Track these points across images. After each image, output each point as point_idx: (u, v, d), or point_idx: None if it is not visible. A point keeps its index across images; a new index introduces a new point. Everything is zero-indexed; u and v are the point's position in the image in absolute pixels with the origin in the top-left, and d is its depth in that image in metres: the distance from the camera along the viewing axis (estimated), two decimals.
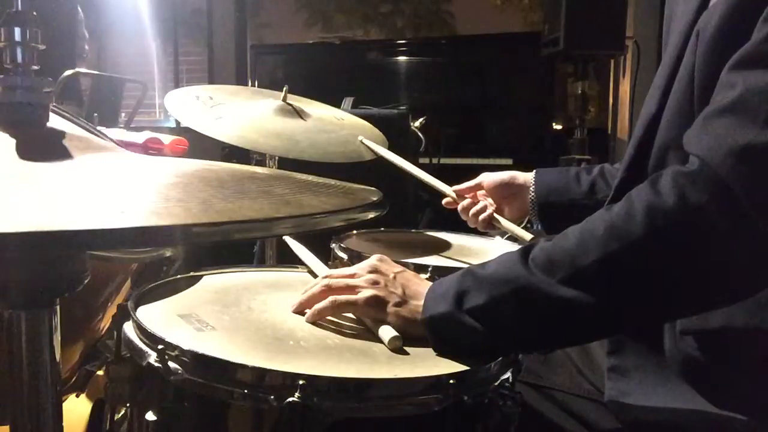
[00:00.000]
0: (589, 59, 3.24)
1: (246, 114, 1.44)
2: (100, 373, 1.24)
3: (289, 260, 1.13)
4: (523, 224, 1.33)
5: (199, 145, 1.66)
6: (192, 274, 0.99)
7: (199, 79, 5.50)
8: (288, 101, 1.50)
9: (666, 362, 0.85)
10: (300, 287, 0.89)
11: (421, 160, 2.76)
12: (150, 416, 0.69)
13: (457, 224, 1.45)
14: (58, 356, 0.63)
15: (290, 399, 0.62)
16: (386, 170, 1.44)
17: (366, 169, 1.29)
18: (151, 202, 0.54)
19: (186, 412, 0.70)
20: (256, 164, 1.92)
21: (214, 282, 0.98)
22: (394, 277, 0.84)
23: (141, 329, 0.74)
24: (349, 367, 0.70)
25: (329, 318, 0.83)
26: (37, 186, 0.55)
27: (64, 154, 0.64)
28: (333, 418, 0.65)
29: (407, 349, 0.76)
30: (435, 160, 3.01)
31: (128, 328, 0.76)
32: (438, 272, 1.08)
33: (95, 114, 2.37)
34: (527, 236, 1.25)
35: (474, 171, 1.39)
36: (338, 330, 0.81)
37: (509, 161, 3.59)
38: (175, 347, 0.68)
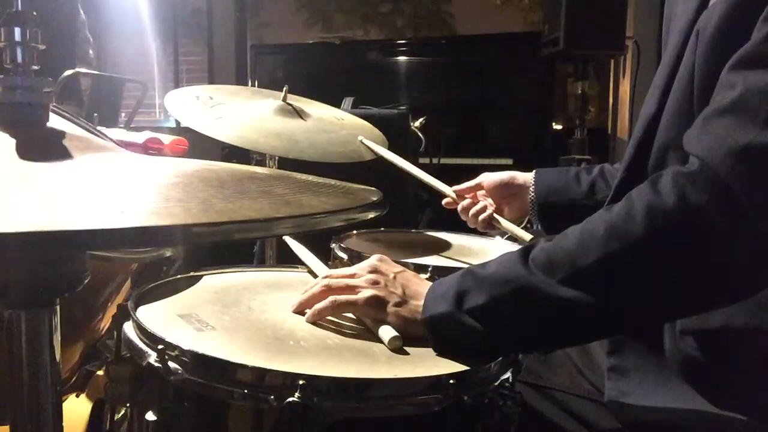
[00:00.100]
0: (589, 59, 3.24)
1: (246, 114, 1.44)
2: (100, 373, 1.24)
3: (289, 260, 1.13)
4: (523, 224, 1.33)
5: (199, 145, 1.66)
6: (192, 274, 0.99)
7: (199, 79, 5.50)
8: (288, 101, 1.50)
9: (666, 362, 0.85)
10: (300, 287, 0.89)
11: (421, 160, 2.76)
12: (150, 416, 0.69)
13: (457, 224, 1.45)
14: (58, 356, 0.63)
15: (290, 399, 0.62)
16: (386, 170, 1.44)
17: (366, 169, 1.29)
18: (151, 202, 0.54)
19: (186, 412, 0.70)
20: (256, 164, 1.92)
21: (214, 282, 0.98)
22: (394, 277, 0.84)
23: (141, 329, 0.74)
24: (349, 367, 0.70)
25: (329, 318, 0.83)
26: (37, 186, 0.55)
27: (64, 154, 0.64)
28: (333, 418, 0.65)
29: (407, 349, 0.76)
30: (435, 160, 3.01)
31: (128, 328, 0.76)
32: (438, 272, 1.08)
33: (95, 114, 2.36)
34: (527, 236, 1.25)
35: (474, 171, 1.39)
36: (338, 330, 0.81)
37: (509, 161, 3.59)
38: (175, 347, 0.68)
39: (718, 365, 0.82)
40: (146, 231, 0.48)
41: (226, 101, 1.48)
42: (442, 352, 0.76)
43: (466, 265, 0.84)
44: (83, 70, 2.75)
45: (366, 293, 0.81)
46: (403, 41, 4.88)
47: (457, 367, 0.72)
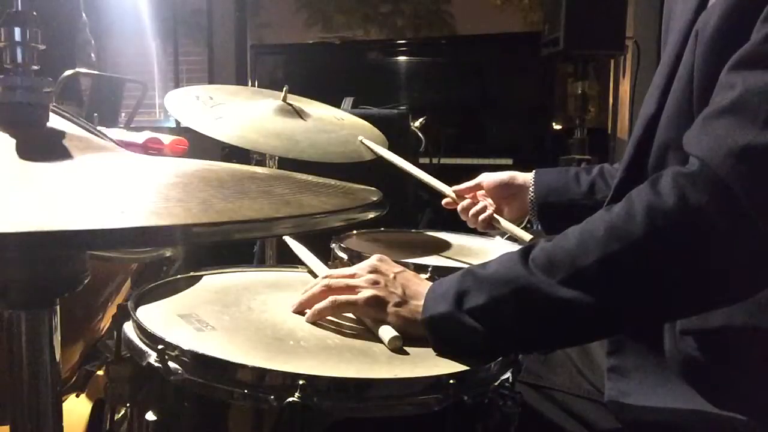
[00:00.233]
0: (589, 59, 3.23)
1: (246, 114, 1.44)
2: (100, 373, 1.24)
3: (289, 260, 1.13)
4: (523, 224, 1.33)
5: (199, 145, 1.66)
6: (192, 274, 0.99)
7: (199, 79, 5.49)
8: (288, 101, 1.50)
9: (666, 362, 0.85)
10: (300, 287, 0.89)
11: (421, 160, 2.76)
12: (150, 416, 0.69)
13: (457, 224, 1.45)
14: (58, 356, 0.63)
15: (290, 399, 0.62)
16: (386, 170, 1.44)
17: (366, 169, 1.29)
18: (151, 202, 0.54)
19: (186, 412, 0.70)
20: (256, 164, 1.92)
21: (214, 282, 0.98)
22: (394, 277, 0.84)
23: (141, 329, 0.74)
24: (349, 367, 0.70)
25: (329, 318, 0.83)
26: (37, 186, 0.55)
27: (64, 154, 0.64)
28: (333, 418, 0.65)
29: (407, 349, 0.76)
30: (435, 160, 3.01)
31: (128, 328, 0.76)
32: (438, 272, 1.08)
33: (95, 114, 2.36)
34: (527, 236, 1.25)
35: (474, 171, 1.39)
36: (338, 330, 0.81)
37: (509, 161, 3.59)
38: (175, 347, 0.68)
39: (718, 365, 0.82)
40: (146, 231, 0.48)
41: (226, 101, 1.48)
42: (442, 352, 0.76)
43: (466, 265, 0.84)
44: (83, 70, 2.75)
45: (366, 293, 0.81)
46: (403, 41, 4.88)
47: (457, 367, 0.72)
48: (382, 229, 1.56)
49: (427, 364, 0.73)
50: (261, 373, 0.66)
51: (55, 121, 0.70)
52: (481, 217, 1.32)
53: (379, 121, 1.63)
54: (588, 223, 0.75)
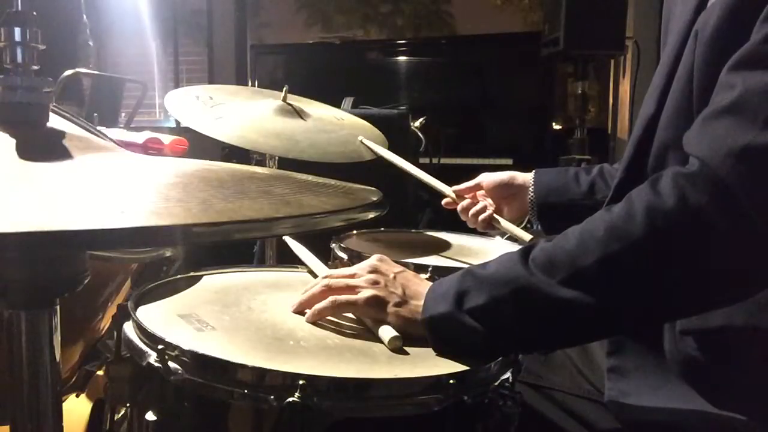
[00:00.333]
0: (589, 59, 3.24)
1: (246, 114, 1.44)
2: (100, 373, 1.24)
3: (289, 260, 1.13)
4: (523, 224, 1.33)
5: (199, 145, 1.66)
6: (192, 274, 0.99)
7: (199, 79, 5.49)
8: (288, 101, 1.50)
9: (666, 362, 0.85)
10: (300, 287, 0.89)
11: (421, 160, 2.76)
12: (150, 416, 0.69)
13: (457, 224, 1.45)
14: (58, 356, 0.63)
15: (290, 399, 0.62)
16: (386, 170, 1.44)
17: (366, 169, 1.29)
18: (151, 202, 0.54)
19: (186, 412, 0.70)
20: (256, 164, 1.92)
21: (214, 282, 0.98)
22: (394, 277, 0.84)
23: (141, 329, 0.74)
24: (349, 367, 0.70)
25: (329, 318, 0.83)
26: (37, 186, 0.55)
27: (64, 154, 0.64)
28: (333, 418, 0.65)
29: (407, 349, 0.76)
30: (435, 160, 3.01)
31: (128, 328, 0.76)
32: (438, 272, 1.08)
33: (95, 114, 2.36)
34: (527, 236, 1.25)
35: (474, 171, 1.39)
36: (338, 330, 0.81)
37: (509, 161, 3.59)
38: (175, 347, 0.68)
39: (718, 365, 0.82)
40: (146, 231, 0.48)
41: (226, 101, 1.48)
42: (442, 352, 0.76)
43: (466, 265, 0.84)
44: (83, 70, 2.75)
45: (366, 293, 0.81)
46: (403, 41, 4.88)
47: (457, 367, 0.72)
48: (382, 229, 1.56)
49: (427, 364, 0.73)
50: (261, 373, 0.66)
51: (55, 121, 0.71)
52: (481, 217, 1.32)
53: (379, 121, 1.63)
54: (588, 224, 0.75)
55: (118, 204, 0.53)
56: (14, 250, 0.52)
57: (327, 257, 1.26)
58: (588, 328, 0.76)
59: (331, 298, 0.82)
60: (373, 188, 0.75)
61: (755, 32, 0.70)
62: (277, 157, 1.58)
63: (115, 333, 0.77)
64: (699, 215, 0.68)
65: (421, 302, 0.79)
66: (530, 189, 1.28)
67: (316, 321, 0.82)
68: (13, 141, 0.62)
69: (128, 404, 0.76)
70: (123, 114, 3.37)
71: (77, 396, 1.30)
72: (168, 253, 1.16)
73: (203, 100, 1.46)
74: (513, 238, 1.37)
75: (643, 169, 0.86)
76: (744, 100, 0.68)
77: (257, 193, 0.62)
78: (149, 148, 1.62)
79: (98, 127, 1.07)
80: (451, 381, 0.67)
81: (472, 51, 4.23)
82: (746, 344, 0.82)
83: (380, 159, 1.45)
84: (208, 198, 0.57)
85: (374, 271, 0.86)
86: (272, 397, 0.64)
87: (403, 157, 1.47)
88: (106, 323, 1.14)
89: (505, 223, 1.30)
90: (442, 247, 1.43)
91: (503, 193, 1.32)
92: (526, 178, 1.30)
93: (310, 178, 0.74)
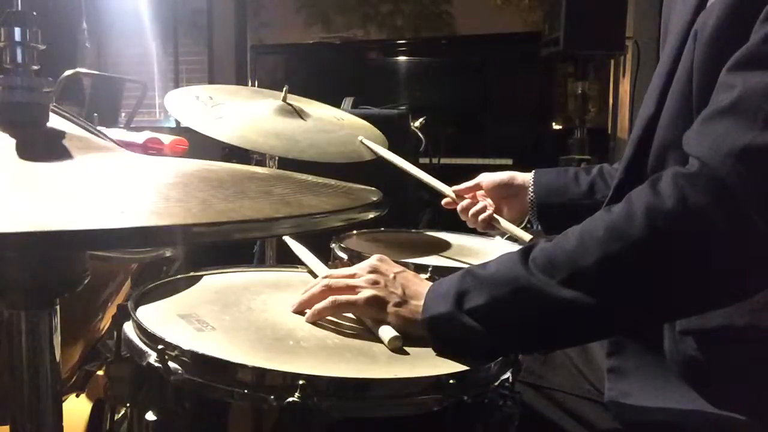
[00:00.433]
0: (589, 59, 3.24)
1: (246, 114, 1.44)
2: (100, 373, 1.24)
3: (289, 260, 1.13)
4: (523, 224, 1.33)
5: (199, 145, 1.66)
6: (192, 274, 0.99)
7: (199, 79, 5.49)
8: (288, 101, 1.50)
9: (666, 363, 0.85)
10: (300, 287, 0.89)
11: (421, 160, 2.76)
12: (150, 416, 0.69)
13: (457, 224, 1.45)
14: (58, 356, 0.63)
15: (290, 399, 0.62)
16: (386, 170, 1.44)
17: (366, 169, 1.29)
18: (151, 202, 0.54)
19: (186, 412, 0.69)
20: (256, 164, 1.92)
21: (214, 282, 0.98)
22: (394, 277, 0.84)
23: (141, 329, 0.74)
24: (349, 367, 0.70)
25: (329, 318, 0.83)
26: (37, 186, 0.55)
27: (64, 154, 0.64)
28: (333, 418, 0.65)
29: (407, 349, 0.76)
30: (435, 160, 3.01)
31: (128, 328, 0.76)
32: (438, 272, 1.08)
33: (95, 114, 2.36)
34: (527, 236, 1.25)
35: (474, 171, 1.39)
36: (338, 330, 0.81)
37: (509, 161, 3.59)
38: (175, 347, 0.68)
39: (718, 365, 0.82)
40: (146, 231, 0.48)
41: (226, 101, 1.48)
42: (441, 352, 0.76)
43: (466, 265, 0.84)
44: (83, 70, 2.75)
45: (366, 293, 0.81)
46: (403, 41, 4.88)
47: (457, 367, 0.72)
48: (382, 229, 1.56)
49: (427, 364, 0.73)
50: (261, 373, 0.66)
51: (55, 121, 0.71)
52: (480, 217, 1.31)
53: (379, 121, 1.63)
54: (588, 224, 0.75)
55: (118, 204, 0.53)
56: (14, 250, 0.52)
57: (327, 257, 1.26)
58: (588, 328, 0.76)
59: (331, 298, 0.82)
60: (373, 188, 0.75)
61: (755, 32, 0.70)
62: (277, 157, 1.58)
63: (115, 333, 0.77)
64: (699, 215, 0.68)
65: (421, 302, 0.79)
66: (530, 189, 1.28)
67: (316, 321, 0.82)
68: (13, 141, 0.62)
69: (128, 404, 0.76)
70: (123, 114, 3.38)
71: (77, 396, 1.30)
72: (168, 253, 1.16)
73: (203, 100, 1.46)
74: (513, 238, 1.37)
75: (643, 169, 0.86)
76: (744, 100, 0.68)
77: (257, 193, 0.62)
78: (149, 148, 1.63)
79: (98, 127, 1.07)
80: (451, 381, 0.67)
81: (472, 51, 4.23)
82: (746, 344, 0.82)
83: (380, 159, 1.45)
84: (208, 198, 0.57)
85: (374, 271, 0.86)
86: (272, 397, 0.64)
87: (403, 157, 1.46)
88: (106, 323, 1.14)
89: (505, 223, 1.30)
90: (442, 247, 1.43)
91: (503, 193, 1.32)
92: (525, 178, 1.30)
93: (310, 178, 0.74)
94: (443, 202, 1.40)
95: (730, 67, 0.72)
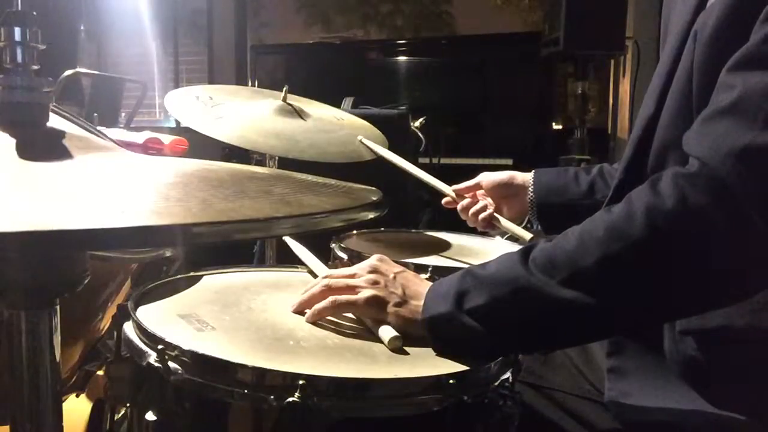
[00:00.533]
0: (589, 59, 3.24)
1: (246, 114, 1.44)
2: (100, 373, 1.24)
3: (289, 260, 1.13)
4: (523, 224, 1.33)
5: (199, 145, 1.66)
6: (192, 274, 0.99)
7: (199, 79, 5.50)
8: (288, 101, 1.50)
9: (666, 363, 0.85)
10: (300, 287, 0.89)
11: (421, 160, 2.76)
12: (150, 416, 0.69)
13: (457, 224, 1.45)
14: (58, 356, 0.63)
15: (290, 399, 0.62)
16: (386, 170, 1.44)
17: (366, 169, 1.29)
18: (151, 202, 0.54)
19: (186, 412, 0.69)
20: (256, 164, 1.92)
21: (214, 282, 0.98)
22: (394, 277, 0.84)
23: (141, 329, 0.74)
24: (349, 367, 0.70)
25: (329, 318, 0.83)
26: (37, 186, 0.55)
27: (64, 154, 0.64)
28: (333, 418, 0.65)
29: (407, 349, 0.76)
30: (435, 160, 3.01)
31: (128, 328, 0.76)
32: (438, 272, 1.08)
33: (95, 114, 2.36)
34: (527, 236, 1.25)
35: (474, 171, 1.39)
36: (338, 330, 0.81)
37: (509, 161, 3.60)
38: (175, 347, 0.68)
39: (718, 365, 0.82)
40: (146, 231, 0.48)
41: (226, 101, 1.48)
42: (441, 352, 0.76)
43: (466, 265, 0.84)
44: (83, 70, 2.75)
45: (366, 293, 0.81)
46: (403, 41, 4.88)
47: (457, 367, 0.72)
48: (382, 229, 1.56)
49: (427, 364, 0.73)
50: (261, 373, 0.66)
51: (55, 121, 0.71)
52: (481, 216, 1.31)
53: (379, 121, 1.63)
54: (588, 224, 0.75)
55: (118, 204, 0.53)
56: (14, 250, 0.52)
57: (327, 257, 1.26)
58: (588, 328, 0.76)
59: (331, 298, 0.82)
60: (373, 188, 0.75)
61: (755, 33, 0.70)
62: (277, 157, 1.58)
63: (115, 333, 0.77)
64: (699, 215, 0.68)
65: (421, 302, 0.79)
66: (530, 189, 1.28)
67: (316, 321, 0.82)
68: (13, 141, 0.62)
69: (128, 404, 0.76)
70: (123, 114, 3.38)
71: (77, 396, 1.30)
72: (168, 253, 1.16)
73: (203, 100, 1.46)
74: (513, 238, 1.37)
75: (643, 169, 0.86)
76: (744, 100, 0.68)
77: (257, 193, 0.62)
78: (149, 148, 1.63)
79: (98, 127, 1.07)
80: (451, 381, 0.67)
81: (472, 51, 4.23)
82: (746, 344, 0.82)
83: (380, 159, 1.45)
84: (208, 198, 0.57)
85: (374, 271, 0.86)
86: (272, 397, 0.64)
87: (403, 157, 1.46)
88: (106, 323, 1.14)
89: (505, 222, 1.30)
90: (442, 247, 1.43)
91: (503, 193, 1.32)
92: (525, 177, 1.30)
93: (310, 178, 0.74)
94: (443, 201, 1.40)
95: (730, 67, 0.72)
